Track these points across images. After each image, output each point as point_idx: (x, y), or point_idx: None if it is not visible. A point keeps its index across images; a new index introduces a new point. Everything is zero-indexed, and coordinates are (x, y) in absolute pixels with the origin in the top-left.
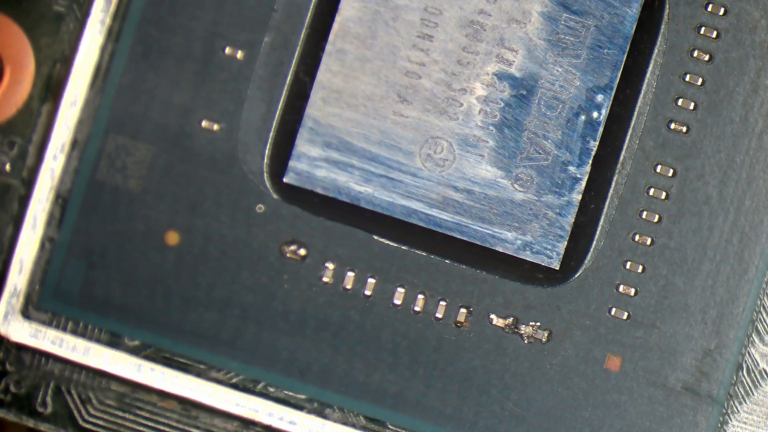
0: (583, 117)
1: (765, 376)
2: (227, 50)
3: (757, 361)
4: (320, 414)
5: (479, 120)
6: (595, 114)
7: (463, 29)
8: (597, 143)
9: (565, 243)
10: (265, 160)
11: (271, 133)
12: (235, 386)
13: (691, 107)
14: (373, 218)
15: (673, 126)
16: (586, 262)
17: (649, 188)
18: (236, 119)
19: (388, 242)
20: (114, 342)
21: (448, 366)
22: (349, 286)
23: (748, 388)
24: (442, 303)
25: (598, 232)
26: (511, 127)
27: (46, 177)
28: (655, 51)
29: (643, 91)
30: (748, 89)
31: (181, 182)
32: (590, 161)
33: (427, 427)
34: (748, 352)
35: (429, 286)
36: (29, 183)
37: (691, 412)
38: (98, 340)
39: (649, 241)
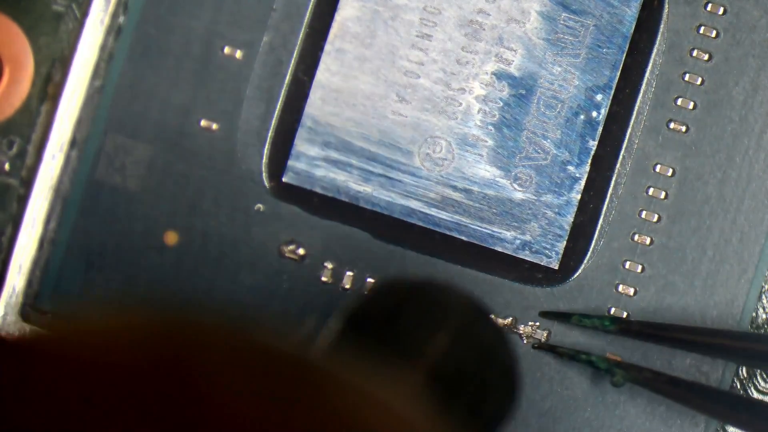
0: (582, 116)
1: (765, 377)
2: (226, 50)
3: None
4: None
5: (478, 119)
6: (594, 113)
7: (462, 29)
8: (596, 143)
9: (565, 242)
10: (264, 159)
11: (270, 133)
12: None
13: (691, 107)
14: (372, 218)
15: (672, 126)
16: (585, 261)
17: (649, 188)
18: (235, 119)
19: (387, 242)
20: None
21: None
22: (348, 286)
23: (747, 388)
24: None
25: (597, 232)
26: (510, 126)
27: (44, 176)
28: (655, 50)
29: (642, 91)
30: (748, 89)
31: (180, 182)
32: (589, 161)
33: None
34: None
35: None
36: (28, 183)
37: (691, 412)
38: None
39: (648, 241)
